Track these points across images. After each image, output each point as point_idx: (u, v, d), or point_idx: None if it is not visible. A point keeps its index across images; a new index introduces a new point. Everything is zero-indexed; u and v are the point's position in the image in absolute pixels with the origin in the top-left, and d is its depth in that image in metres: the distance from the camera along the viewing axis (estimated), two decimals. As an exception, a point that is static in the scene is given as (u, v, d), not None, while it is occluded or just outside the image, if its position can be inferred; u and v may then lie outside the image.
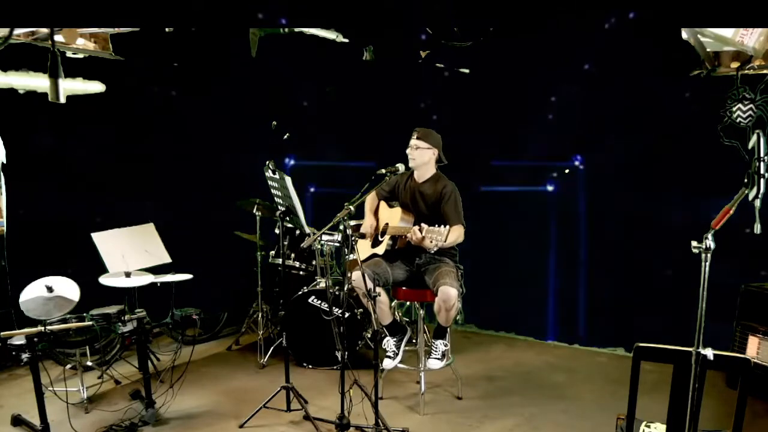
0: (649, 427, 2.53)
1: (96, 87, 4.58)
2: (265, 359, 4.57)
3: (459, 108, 5.24)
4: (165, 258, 4.04)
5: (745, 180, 2.24)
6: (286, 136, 3.90)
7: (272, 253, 4.88)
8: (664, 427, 2.42)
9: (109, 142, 4.71)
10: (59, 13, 3.10)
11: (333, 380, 3.96)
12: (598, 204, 4.89)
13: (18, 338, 3.08)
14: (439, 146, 3.88)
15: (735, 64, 4.23)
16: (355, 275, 3.57)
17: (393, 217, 3.99)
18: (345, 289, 3.40)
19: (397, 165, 3.67)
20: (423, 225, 3.44)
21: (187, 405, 3.82)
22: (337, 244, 4.47)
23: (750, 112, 4.17)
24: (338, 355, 3.27)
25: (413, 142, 3.83)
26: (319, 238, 4.21)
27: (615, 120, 4.68)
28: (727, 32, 3.88)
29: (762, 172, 2.24)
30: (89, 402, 3.75)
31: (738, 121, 4.20)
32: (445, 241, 3.35)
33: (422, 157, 3.83)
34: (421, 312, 3.98)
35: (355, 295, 3.82)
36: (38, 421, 3.09)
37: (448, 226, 3.39)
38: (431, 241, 3.39)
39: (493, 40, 4.81)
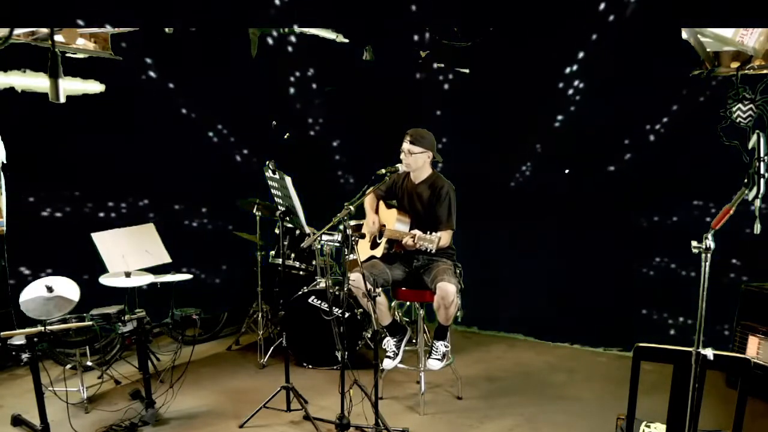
0: (649, 427, 2.54)
1: (96, 87, 4.59)
2: (265, 359, 4.57)
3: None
4: (165, 258, 4.04)
5: (745, 180, 2.24)
6: (286, 136, 3.90)
7: (272, 253, 4.88)
8: (664, 427, 2.43)
9: (110, 141, 4.70)
10: (59, 13, 3.10)
11: (333, 380, 3.96)
12: (597, 204, 4.88)
13: (18, 338, 3.08)
14: (432, 147, 3.81)
15: (735, 64, 4.23)
16: (354, 276, 3.57)
17: (390, 217, 3.98)
18: (345, 289, 3.40)
19: (397, 165, 3.68)
20: (416, 232, 3.44)
21: (187, 405, 3.82)
22: (337, 245, 4.47)
23: (750, 112, 4.16)
24: (338, 355, 3.27)
25: (406, 146, 3.76)
26: (319, 238, 4.21)
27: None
28: (727, 32, 3.89)
29: (762, 172, 2.24)
30: (89, 402, 3.74)
31: (738, 121, 4.20)
32: (435, 249, 3.39)
33: (416, 162, 3.79)
34: (421, 312, 3.98)
35: (355, 295, 3.82)
36: (38, 421, 3.09)
37: (439, 235, 3.40)
38: (421, 248, 3.43)
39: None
